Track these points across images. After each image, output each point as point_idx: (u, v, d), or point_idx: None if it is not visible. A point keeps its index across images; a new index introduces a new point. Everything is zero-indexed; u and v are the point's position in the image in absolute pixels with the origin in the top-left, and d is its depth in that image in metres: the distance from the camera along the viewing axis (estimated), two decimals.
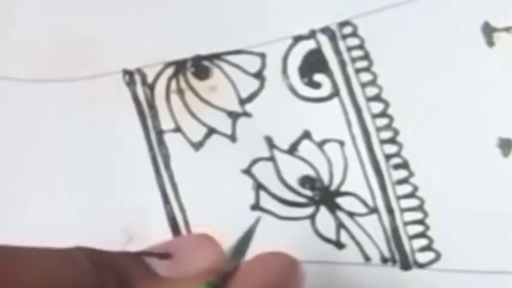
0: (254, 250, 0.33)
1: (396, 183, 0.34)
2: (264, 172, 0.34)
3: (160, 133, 0.34)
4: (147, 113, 0.35)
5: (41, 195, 0.35)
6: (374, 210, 0.34)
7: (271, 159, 0.34)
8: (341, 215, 0.34)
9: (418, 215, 0.34)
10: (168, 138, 0.35)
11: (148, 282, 0.25)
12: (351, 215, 0.34)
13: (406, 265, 0.34)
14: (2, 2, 0.35)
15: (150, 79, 0.35)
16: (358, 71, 0.34)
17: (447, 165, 0.34)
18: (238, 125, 0.34)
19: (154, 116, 0.35)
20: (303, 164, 0.34)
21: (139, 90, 0.35)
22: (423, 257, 0.34)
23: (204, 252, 0.27)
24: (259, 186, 0.34)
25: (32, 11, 0.35)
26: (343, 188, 0.34)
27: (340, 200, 0.34)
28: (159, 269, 0.26)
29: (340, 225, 0.34)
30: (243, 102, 0.34)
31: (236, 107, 0.34)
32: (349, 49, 0.34)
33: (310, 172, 0.34)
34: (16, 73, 0.35)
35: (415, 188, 0.34)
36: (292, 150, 0.34)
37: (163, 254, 0.27)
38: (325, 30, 0.34)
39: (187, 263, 0.27)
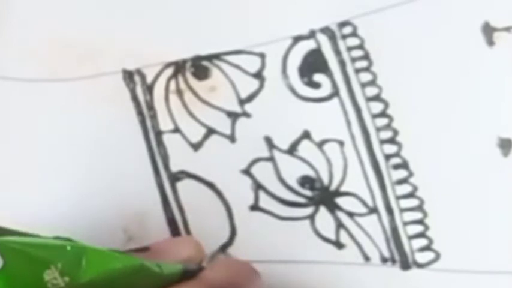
0: (253, 249, 0.33)
1: (396, 183, 0.34)
2: (264, 172, 0.34)
3: (159, 133, 0.34)
4: (146, 113, 0.35)
5: (41, 195, 0.35)
6: (373, 210, 0.34)
7: (271, 159, 0.34)
8: (340, 215, 0.34)
9: (417, 215, 0.34)
10: (167, 138, 0.34)
11: None
12: (351, 215, 0.34)
13: (405, 265, 0.34)
14: (1, 1, 0.35)
15: (149, 79, 0.35)
16: (357, 71, 0.34)
17: (447, 165, 0.34)
18: (238, 125, 0.34)
19: (154, 117, 0.35)
20: (302, 164, 0.34)
21: (139, 90, 0.35)
22: (423, 257, 0.33)
23: (184, 248, 0.31)
24: (258, 187, 0.34)
25: (32, 11, 0.35)
26: (343, 188, 0.34)
27: (339, 200, 0.34)
28: None
29: (339, 225, 0.34)
30: (242, 102, 0.34)
31: (235, 107, 0.34)
32: (349, 49, 0.34)
33: (310, 172, 0.34)
34: (16, 73, 0.35)
35: (415, 188, 0.34)
36: (291, 150, 0.34)
37: (141, 248, 0.30)
38: (325, 30, 0.34)
39: (166, 256, 0.29)
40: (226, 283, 0.28)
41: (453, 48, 0.34)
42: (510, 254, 0.33)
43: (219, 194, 0.34)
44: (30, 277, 0.25)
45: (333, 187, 0.34)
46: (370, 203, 0.34)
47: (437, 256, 0.33)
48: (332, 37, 0.34)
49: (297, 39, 0.34)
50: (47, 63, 0.35)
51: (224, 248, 0.34)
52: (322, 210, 0.34)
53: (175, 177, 0.34)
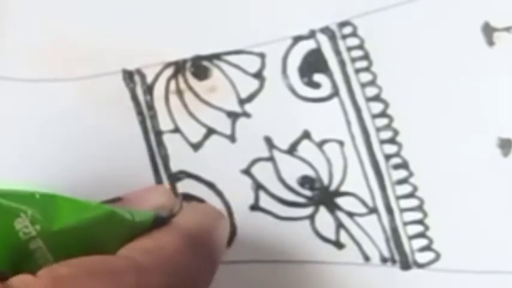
0: (253, 249, 0.33)
1: (396, 183, 0.34)
2: (264, 172, 0.34)
3: (159, 134, 0.34)
4: (146, 113, 0.35)
5: None
6: (373, 210, 0.34)
7: (271, 159, 0.34)
8: (340, 215, 0.34)
9: (417, 215, 0.34)
10: (167, 138, 0.34)
11: None
12: (351, 215, 0.34)
13: (405, 265, 0.34)
14: (1, 1, 0.35)
15: (149, 79, 0.35)
16: (357, 71, 0.34)
17: (447, 165, 0.34)
18: (238, 125, 0.34)
19: (154, 117, 0.34)
20: (302, 164, 0.34)
21: (139, 90, 0.35)
22: (423, 257, 0.33)
23: (155, 196, 0.30)
24: (258, 187, 0.34)
25: (32, 11, 0.35)
26: (343, 188, 0.34)
27: (339, 200, 0.34)
28: None
29: (339, 225, 0.34)
30: (242, 102, 0.34)
31: (235, 107, 0.34)
32: (349, 49, 0.34)
33: (310, 172, 0.34)
34: (16, 73, 0.35)
35: (415, 188, 0.34)
36: (291, 150, 0.34)
37: (114, 199, 0.30)
38: (325, 30, 0.34)
39: (138, 205, 0.29)
40: (197, 227, 0.28)
41: (453, 48, 0.34)
42: (510, 254, 0.33)
43: (219, 194, 0.34)
44: (1, 226, 0.24)
45: (333, 187, 0.34)
46: (370, 203, 0.34)
47: (437, 256, 0.33)
48: (332, 37, 0.34)
49: (297, 39, 0.34)
50: (47, 63, 0.35)
51: None
52: (322, 210, 0.34)
53: (175, 177, 0.34)
